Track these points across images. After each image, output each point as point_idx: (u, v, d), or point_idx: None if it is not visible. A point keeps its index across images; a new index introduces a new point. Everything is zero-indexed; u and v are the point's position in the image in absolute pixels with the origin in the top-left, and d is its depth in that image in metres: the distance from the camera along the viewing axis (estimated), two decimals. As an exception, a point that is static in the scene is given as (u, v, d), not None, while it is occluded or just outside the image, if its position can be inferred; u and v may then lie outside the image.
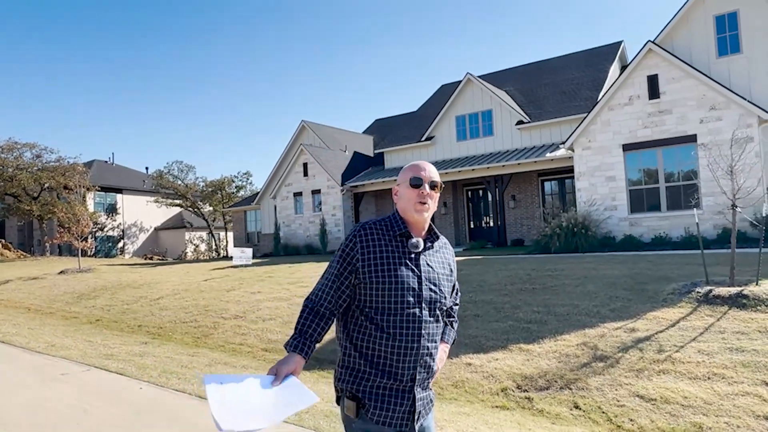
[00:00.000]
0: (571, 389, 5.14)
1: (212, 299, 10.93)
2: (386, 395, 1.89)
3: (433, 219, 2.08)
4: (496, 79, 23.16)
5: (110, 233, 35.93)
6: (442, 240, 2.11)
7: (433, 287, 1.95)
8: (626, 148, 14.28)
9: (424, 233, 2.03)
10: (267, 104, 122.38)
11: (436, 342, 1.97)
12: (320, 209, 23.07)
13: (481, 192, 21.63)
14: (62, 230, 20.89)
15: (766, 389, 4.62)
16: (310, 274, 12.71)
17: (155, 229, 39.38)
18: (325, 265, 14.03)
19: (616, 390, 4.98)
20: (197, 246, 37.33)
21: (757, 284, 6.84)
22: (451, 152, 21.20)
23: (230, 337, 8.43)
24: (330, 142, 26.93)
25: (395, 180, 2.12)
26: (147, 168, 42.39)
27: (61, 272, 18.03)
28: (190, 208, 35.84)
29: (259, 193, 28.49)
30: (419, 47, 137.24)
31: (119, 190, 37.05)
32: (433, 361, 1.97)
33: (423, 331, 1.91)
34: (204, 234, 38.28)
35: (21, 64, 76.06)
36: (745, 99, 12.79)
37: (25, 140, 31.09)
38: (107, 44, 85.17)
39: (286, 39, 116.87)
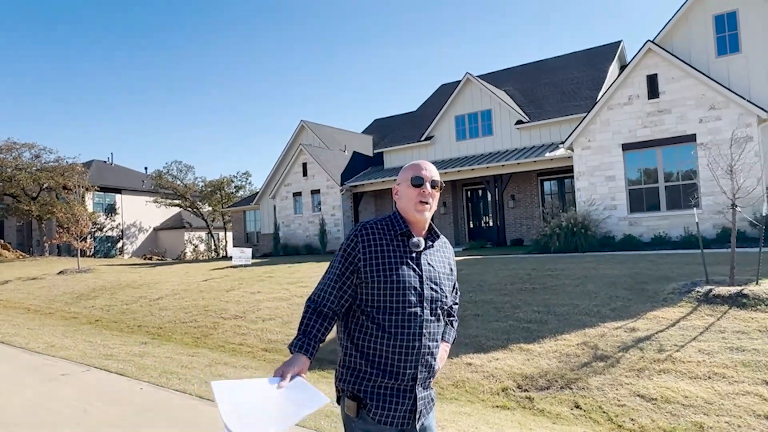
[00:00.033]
0: (571, 389, 5.14)
1: (212, 299, 10.92)
2: (388, 395, 1.89)
3: (432, 219, 2.08)
4: (495, 78, 23.16)
5: (109, 233, 35.90)
6: (442, 239, 2.11)
7: (434, 286, 1.96)
8: (626, 147, 14.29)
9: (424, 232, 2.03)
10: (266, 104, 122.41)
11: (437, 341, 1.98)
12: (319, 209, 23.06)
13: (480, 192, 21.63)
14: (61, 230, 20.87)
15: (766, 388, 4.62)
16: (309, 274, 12.70)
17: (154, 229, 39.36)
18: (324, 264, 14.09)
19: (617, 390, 4.98)
20: (196, 246, 37.32)
21: (757, 284, 6.84)
22: (451, 152, 21.20)
23: (230, 337, 8.42)
24: (329, 142, 26.92)
25: (395, 180, 2.12)
26: (146, 168, 42.40)
27: (60, 272, 18.01)
28: (190, 209, 35.81)
29: (258, 193, 28.48)
30: (419, 47, 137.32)
31: (118, 190, 37.02)
32: (435, 361, 1.97)
33: (424, 330, 1.91)
34: (203, 234, 38.27)
35: (20, 64, 76.02)
36: (744, 98, 12.79)
37: (23, 140, 31.13)
38: (106, 44, 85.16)
39: (285, 39, 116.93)
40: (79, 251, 20.36)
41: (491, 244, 19.23)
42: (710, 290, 6.88)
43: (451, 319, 2.21)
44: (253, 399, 1.61)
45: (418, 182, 1.98)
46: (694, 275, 8.05)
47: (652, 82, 13.88)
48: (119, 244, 36.79)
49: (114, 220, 36.15)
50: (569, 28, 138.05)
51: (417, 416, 1.92)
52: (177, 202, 35.65)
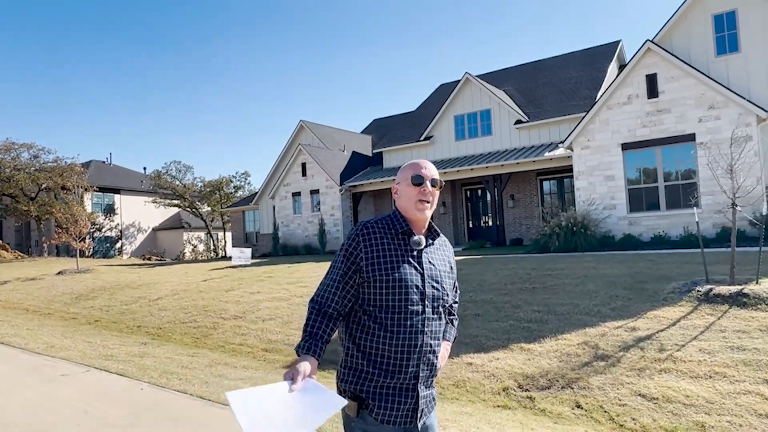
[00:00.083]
0: (572, 388, 5.13)
1: (211, 299, 10.90)
2: (390, 394, 1.89)
3: (432, 218, 2.08)
4: (494, 78, 23.16)
5: (108, 234, 35.86)
6: (442, 238, 2.12)
7: (435, 284, 1.96)
8: (625, 147, 14.29)
9: (424, 231, 2.04)
10: (266, 104, 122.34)
11: (438, 339, 1.98)
12: (319, 209, 23.05)
13: (479, 191, 21.63)
14: (60, 231, 20.83)
15: (767, 388, 4.61)
16: (309, 274, 12.69)
17: (153, 229, 39.31)
18: (324, 264, 14.09)
19: (618, 389, 4.97)
20: (195, 246, 37.29)
21: (757, 283, 6.84)
22: (450, 152, 21.20)
23: (230, 338, 8.41)
24: (328, 141, 26.91)
25: (394, 179, 2.11)
26: (145, 168, 42.35)
27: (59, 273, 17.98)
28: (189, 209, 35.77)
29: (257, 193, 28.46)
30: (418, 47, 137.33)
31: (117, 191, 36.98)
32: (436, 359, 1.97)
33: (426, 329, 1.91)
34: (202, 234, 38.23)
35: (19, 64, 75.91)
36: (743, 98, 12.80)
37: (22, 140, 31.01)
38: (105, 45, 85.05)
39: (285, 39, 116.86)
40: (78, 251, 20.33)
41: (491, 244, 19.23)
42: (710, 289, 6.88)
43: (452, 317, 2.21)
44: (270, 406, 1.59)
45: (418, 181, 1.98)
46: (694, 274, 8.05)
47: (652, 81, 13.88)
48: (118, 245, 36.74)
49: (113, 221, 36.10)
50: (568, 28, 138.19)
51: (419, 415, 1.92)
52: (176, 202, 35.61)
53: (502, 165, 18.02)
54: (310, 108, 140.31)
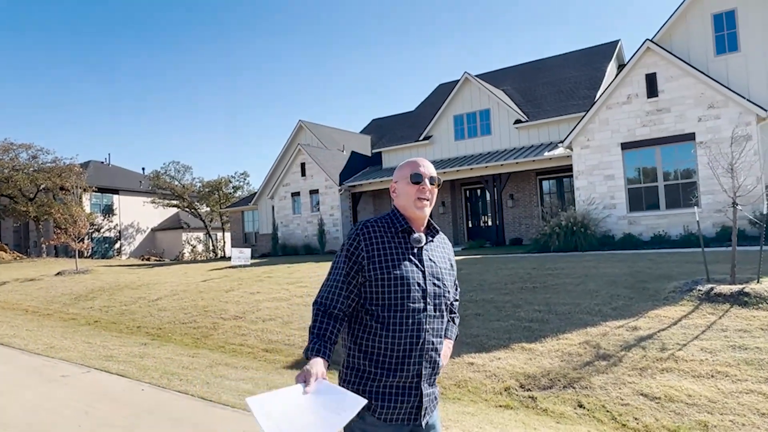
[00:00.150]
0: (574, 388, 5.12)
1: (211, 300, 10.88)
2: (393, 393, 1.88)
3: (431, 217, 2.08)
4: (493, 78, 23.16)
5: (107, 234, 35.81)
6: (441, 235, 2.13)
7: (436, 282, 1.97)
8: (625, 146, 14.29)
9: (423, 228, 2.04)
10: (265, 104, 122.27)
11: (440, 337, 1.98)
12: (318, 209, 23.03)
13: (479, 191, 21.62)
14: (59, 231, 20.79)
15: (770, 387, 4.61)
16: (309, 274, 12.67)
17: (152, 229, 39.27)
18: (324, 264, 14.07)
19: (620, 389, 4.96)
20: (194, 247, 37.24)
21: (758, 282, 6.84)
22: (449, 152, 21.19)
23: (230, 338, 8.39)
24: (327, 141, 26.90)
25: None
26: (144, 169, 42.29)
27: (58, 273, 17.95)
28: (187, 209, 35.73)
29: (256, 193, 28.43)
30: (417, 47, 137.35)
31: (116, 191, 36.92)
32: (439, 357, 1.97)
33: (428, 326, 1.92)
34: (201, 234, 38.19)
35: (17, 64, 75.78)
36: (743, 97, 12.80)
37: (21, 141, 30.99)
38: (103, 45, 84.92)
39: (284, 39, 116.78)
40: (76, 252, 20.30)
41: (490, 244, 19.22)
42: (711, 289, 6.87)
43: (453, 315, 2.20)
44: (290, 409, 1.58)
45: (417, 179, 1.99)
46: (694, 274, 8.05)
47: (651, 81, 13.88)
48: (117, 245, 36.69)
49: (111, 221, 36.05)
50: (567, 28, 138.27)
51: (423, 413, 1.92)
52: (175, 202, 35.57)
53: (502, 165, 18.01)
54: (309, 108, 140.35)
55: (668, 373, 5.09)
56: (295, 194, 23.96)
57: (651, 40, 14.01)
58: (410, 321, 1.88)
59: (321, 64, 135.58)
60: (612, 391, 4.94)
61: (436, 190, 2.03)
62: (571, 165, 15.67)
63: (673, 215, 13.48)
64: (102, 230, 34.93)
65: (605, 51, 21.75)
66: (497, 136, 20.00)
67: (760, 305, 6.23)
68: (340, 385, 1.97)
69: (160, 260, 32.70)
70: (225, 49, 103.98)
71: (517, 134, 19.55)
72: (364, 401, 1.66)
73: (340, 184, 22.35)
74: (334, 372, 1.80)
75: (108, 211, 36.07)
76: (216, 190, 35.70)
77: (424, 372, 1.91)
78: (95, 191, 33.61)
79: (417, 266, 1.94)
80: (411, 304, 1.89)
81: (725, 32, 14.26)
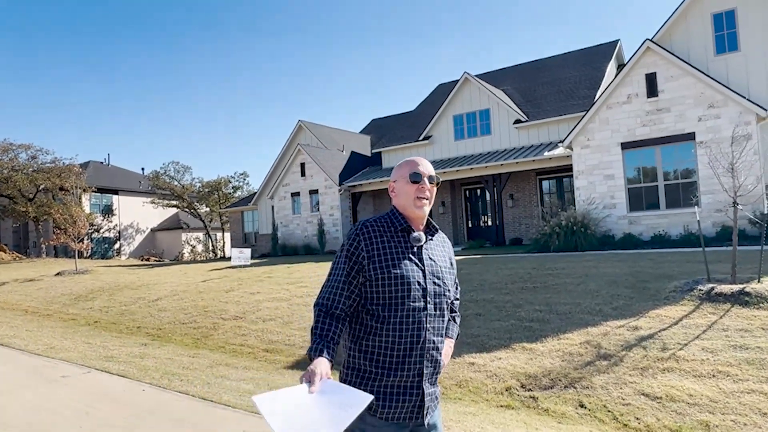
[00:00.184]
0: (575, 388, 5.12)
1: (211, 300, 10.87)
2: (394, 392, 1.88)
3: (431, 217, 2.08)
4: (493, 78, 23.16)
5: (106, 234, 35.79)
6: (441, 234, 2.13)
7: (437, 280, 1.97)
8: (625, 146, 14.29)
9: (422, 227, 2.04)
10: (264, 104, 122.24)
11: (441, 336, 1.98)
12: (318, 209, 23.02)
13: (479, 191, 21.62)
14: (59, 232, 20.78)
15: (771, 387, 4.60)
16: (309, 274, 12.66)
17: (152, 230, 39.25)
18: (324, 264, 14.06)
19: (621, 388, 4.96)
20: (194, 247, 37.21)
21: (758, 281, 6.84)
22: (449, 151, 21.18)
23: (230, 338, 8.38)
24: (327, 141, 26.89)
25: (393, 179, 2.10)
26: (143, 169, 42.27)
27: (57, 274, 17.93)
28: (187, 209, 35.71)
29: (256, 193, 28.42)
30: (416, 48, 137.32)
31: (115, 191, 36.90)
32: (440, 356, 1.97)
33: (428, 325, 1.91)
34: (201, 235, 38.17)
35: (17, 64, 75.73)
36: (743, 97, 12.80)
37: (20, 141, 30.95)
38: (103, 46, 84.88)
39: (283, 40, 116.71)
40: (76, 252, 20.28)
41: (490, 244, 19.21)
42: (712, 288, 6.87)
43: (454, 314, 2.20)
44: (297, 407, 1.58)
45: (416, 179, 1.99)
46: (695, 273, 8.04)
47: (651, 80, 13.88)
48: (116, 245, 36.67)
49: (111, 221, 36.03)
50: (567, 27, 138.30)
51: (425, 412, 1.91)
52: (174, 202, 35.54)
53: (502, 165, 18.00)
54: (309, 108, 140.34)
55: (669, 373, 5.09)
56: (295, 194, 23.95)
57: (651, 40, 14.01)
58: (411, 320, 1.88)
59: (321, 64, 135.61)
60: (613, 391, 4.93)
61: (435, 189, 2.04)
62: (571, 165, 15.67)
63: (673, 215, 13.48)
64: (101, 230, 34.90)
65: (605, 51, 21.76)
66: (497, 136, 20.00)
67: (761, 305, 6.23)
68: None
69: (159, 260, 32.68)
70: (225, 49, 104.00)
71: (517, 134, 19.55)
72: (370, 397, 1.66)
73: (340, 184, 22.34)
74: (335, 373, 1.80)
75: (107, 211, 36.04)
76: (215, 191, 35.68)
77: (425, 371, 1.91)
78: (95, 191, 33.59)
79: (417, 265, 1.94)
80: (411, 303, 1.88)
81: (725, 32, 14.26)
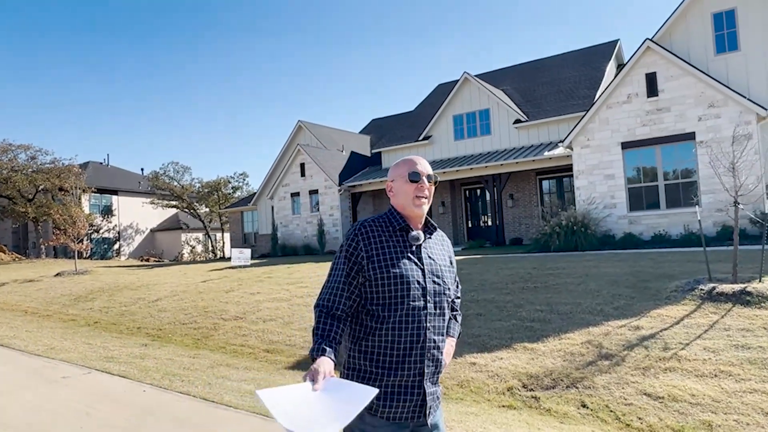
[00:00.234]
0: (577, 388, 5.11)
1: (211, 300, 10.86)
2: (395, 392, 1.88)
3: (431, 216, 2.07)
4: (493, 78, 23.16)
5: (106, 235, 35.77)
6: (439, 232, 2.13)
7: (436, 279, 1.96)
8: (625, 146, 14.29)
9: (421, 226, 2.04)
10: (264, 105, 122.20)
11: (442, 335, 1.97)
12: (318, 209, 23.01)
13: (479, 191, 21.61)
14: (58, 232, 20.76)
15: (774, 386, 4.59)
16: (309, 274, 12.65)
17: (151, 230, 39.23)
18: (324, 265, 14.05)
19: (623, 388, 4.95)
20: (194, 247, 37.18)
21: (760, 281, 6.83)
22: (449, 151, 21.18)
23: (231, 339, 8.37)
24: (327, 142, 26.88)
25: (392, 179, 2.10)
26: (142, 169, 42.30)
27: (57, 274, 17.91)
28: (186, 210, 35.69)
29: (255, 193, 28.41)
30: (417, 47, 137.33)
31: (115, 192, 36.88)
32: (441, 355, 1.96)
33: (429, 324, 1.91)
34: (200, 235, 38.15)
35: (17, 64, 75.67)
36: (743, 96, 12.80)
37: (20, 141, 30.94)
38: (102, 46, 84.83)
39: (283, 40, 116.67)
40: (76, 253, 20.26)
41: (490, 244, 19.21)
42: (713, 288, 6.86)
43: (455, 313, 2.20)
44: (301, 402, 1.57)
45: (415, 178, 1.99)
46: (696, 273, 8.04)
47: (651, 80, 13.88)
48: (116, 246, 36.64)
49: (110, 222, 36.02)
50: (567, 27, 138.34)
51: (427, 411, 1.91)
52: (174, 203, 35.52)
53: (502, 164, 18.00)
54: (309, 108, 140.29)
55: (671, 373, 5.08)
56: (295, 194, 23.94)
57: (651, 40, 14.01)
58: (411, 319, 1.88)
59: (321, 64, 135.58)
60: (615, 391, 4.92)
61: (433, 188, 2.04)
62: (571, 165, 15.67)
63: (673, 214, 13.48)
64: (101, 231, 34.88)
65: (604, 51, 21.76)
66: (497, 136, 19.99)
67: (763, 304, 6.22)
68: None
69: (159, 261, 32.66)
70: (225, 49, 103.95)
71: (517, 134, 19.55)
72: (375, 390, 1.65)
73: (340, 185, 22.34)
74: (336, 374, 1.78)
75: (107, 211, 36.02)
76: (215, 191, 35.66)
77: (426, 370, 1.90)
78: (94, 192, 33.57)
79: (416, 264, 1.94)
80: (411, 303, 1.88)
81: (725, 31, 14.26)
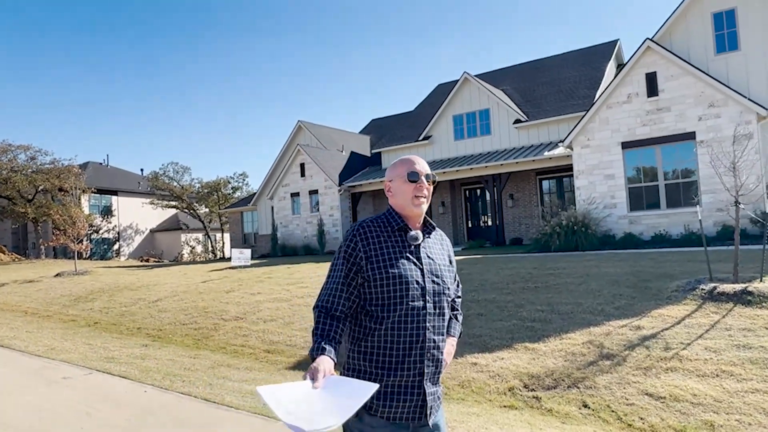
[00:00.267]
0: (579, 388, 5.10)
1: (212, 301, 10.85)
2: (395, 392, 1.87)
3: (431, 218, 2.07)
4: (493, 78, 23.16)
5: (106, 235, 35.75)
6: (438, 231, 2.13)
7: (435, 279, 1.96)
8: (625, 146, 14.29)
9: (419, 226, 2.04)
10: (263, 105, 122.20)
11: (442, 335, 1.97)
12: (318, 209, 23.01)
13: (479, 191, 21.61)
14: (58, 233, 20.75)
15: (776, 386, 4.59)
16: (309, 274, 12.64)
17: (151, 231, 39.21)
18: (324, 265, 14.04)
19: (625, 388, 4.94)
20: (193, 248, 37.17)
21: (761, 281, 6.83)
22: (449, 151, 21.18)
23: (231, 339, 8.36)
24: (327, 142, 26.88)
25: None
26: (142, 170, 42.33)
27: (57, 275, 17.89)
28: (186, 210, 35.67)
29: (255, 194, 28.41)
30: (417, 47, 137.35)
31: (114, 192, 36.87)
32: (441, 355, 1.96)
33: (428, 324, 1.90)
34: (200, 235, 38.14)
35: (17, 64, 75.65)
36: (743, 96, 12.81)
37: (20, 142, 30.92)
38: (101, 46, 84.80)
39: (283, 40, 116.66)
40: (75, 253, 20.25)
41: (490, 244, 19.21)
42: (714, 288, 6.86)
43: (456, 312, 2.19)
44: (301, 399, 1.57)
45: (414, 178, 1.99)
46: (696, 273, 8.03)
47: (651, 80, 13.89)
48: (116, 246, 36.63)
49: (110, 222, 36.00)
50: (567, 27, 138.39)
51: (428, 412, 1.90)
52: (173, 203, 35.49)
53: (502, 164, 18.00)
54: (309, 108, 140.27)
55: (673, 373, 5.08)
56: (295, 195, 23.94)
57: (651, 39, 14.01)
58: (410, 319, 1.87)
59: (321, 64, 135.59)
60: (617, 391, 4.92)
61: (431, 188, 2.04)
62: (571, 165, 15.67)
63: (673, 214, 13.48)
64: (101, 231, 34.87)
65: (604, 51, 21.77)
66: (497, 136, 19.99)
67: (764, 304, 6.21)
68: None
69: (159, 261, 32.64)
70: (224, 50, 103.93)
71: (517, 134, 19.55)
72: (375, 386, 1.65)
73: (340, 185, 22.34)
74: (336, 373, 1.78)
75: (107, 212, 36.01)
76: (215, 191, 35.64)
77: (426, 370, 1.90)
78: (94, 192, 33.57)
79: (415, 264, 1.93)
80: (410, 303, 1.88)
81: (725, 31, 14.26)
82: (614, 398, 4.82)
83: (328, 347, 1.79)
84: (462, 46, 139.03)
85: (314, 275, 12.25)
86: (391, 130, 25.19)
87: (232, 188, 37.21)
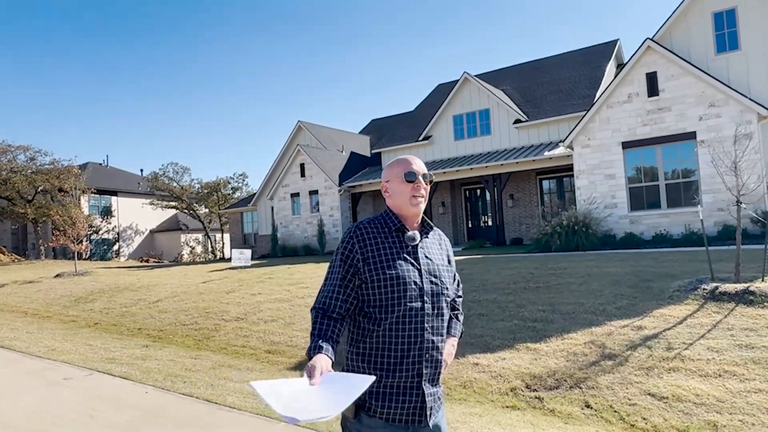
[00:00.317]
0: (581, 388, 5.09)
1: (212, 301, 10.84)
2: (393, 393, 1.86)
3: (431, 218, 2.06)
4: (493, 78, 23.16)
5: (105, 236, 35.72)
6: (437, 231, 2.12)
7: (434, 279, 1.95)
8: (625, 145, 14.28)
9: (417, 226, 2.03)
10: (263, 105, 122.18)
11: (441, 335, 1.95)
12: (318, 210, 23.00)
13: (479, 191, 21.61)
14: (58, 233, 20.72)
15: (779, 386, 4.58)
16: (309, 275, 12.63)
17: (151, 231, 39.19)
18: (324, 265, 14.03)
19: (627, 388, 4.93)
20: (193, 248, 37.15)
21: (762, 280, 6.82)
22: (449, 152, 21.17)
23: (232, 339, 8.35)
24: (326, 142, 26.87)
25: (390, 179, 2.10)
26: (142, 170, 42.37)
27: (57, 275, 17.87)
28: (186, 210, 35.63)
29: (255, 194, 28.39)
30: (417, 47, 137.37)
31: (114, 193, 36.84)
32: (441, 355, 1.94)
33: (426, 325, 1.89)
34: (200, 236, 38.12)
35: (17, 65, 75.61)
36: (744, 96, 12.81)
37: (19, 142, 30.89)
38: (101, 46, 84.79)
39: (283, 40, 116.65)
40: (75, 254, 20.22)
41: (490, 244, 19.20)
42: (716, 287, 6.85)
43: (456, 312, 2.18)
44: (296, 394, 1.57)
45: (411, 178, 1.99)
46: (698, 272, 8.03)
47: (652, 79, 13.88)
48: (115, 247, 36.60)
49: (110, 223, 35.97)
50: (567, 27, 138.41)
51: (428, 413, 1.89)
52: (173, 204, 35.46)
53: (502, 164, 18.00)
54: (309, 108, 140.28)
55: (675, 373, 5.07)
56: (295, 195, 23.93)
57: (651, 39, 14.01)
58: (408, 320, 1.86)
59: (321, 64, 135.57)
60: (619, 391, 4.91)
61: (428, 187, 2.04)
62: (572, 164, 15.67)
63: (674, 214, 13.48)
64: (100, 232, 34.84)
65: (604, 50, 21.77)
66: (497, 136, 19.99)
67: (766, 304, 6.21)
68: None
69: (159, 262, 32.62)
70: (224, 50, 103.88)
71: (517, 134, 19.54)
72: (372, 378, 1.65)
73: (340, 185, 22.33)
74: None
75: (106, 212, 35.98)
76: (215, 192, 35.60)
77: (425, 371, 1.89)
78: (94, 193, 33.54)
79: (413, 264, 1.92)
80: (408, 303, 1.87)
81: (726, 31, 14.26)
82: (617, 398, 4.81)
83: (325, 345, 1.79)
84: (462, 46, 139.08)
85: (314, 276, 12.23)
86: (391, 130, 25.18)
87: (231, 189, 37.17)
